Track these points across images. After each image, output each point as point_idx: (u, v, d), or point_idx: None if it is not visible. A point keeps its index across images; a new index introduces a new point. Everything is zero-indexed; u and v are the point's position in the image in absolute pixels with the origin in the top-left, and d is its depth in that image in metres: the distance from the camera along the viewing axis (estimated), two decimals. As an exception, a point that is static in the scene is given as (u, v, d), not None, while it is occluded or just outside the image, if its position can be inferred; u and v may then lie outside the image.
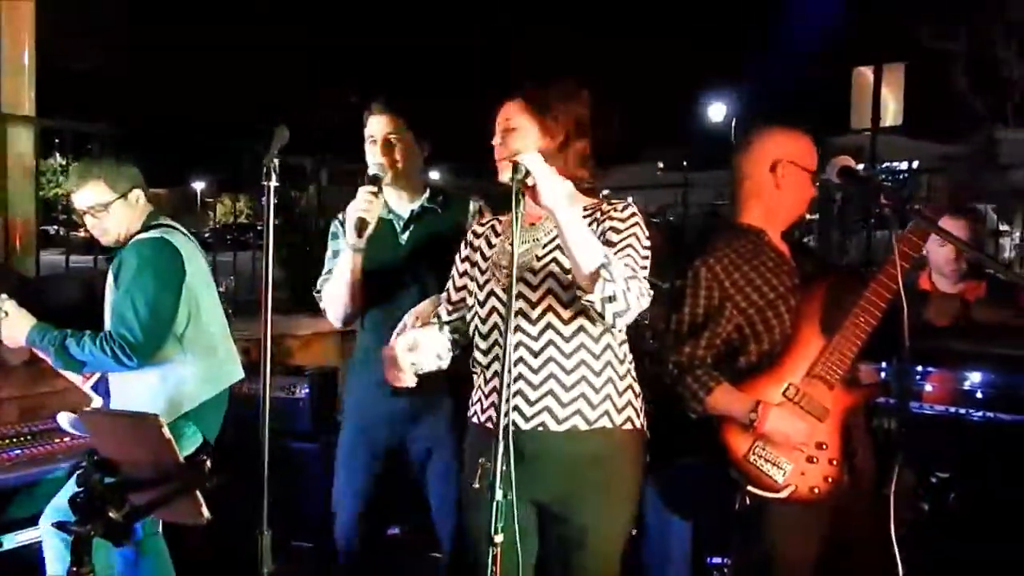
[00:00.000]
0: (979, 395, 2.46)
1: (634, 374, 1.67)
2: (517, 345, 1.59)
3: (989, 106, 12.45)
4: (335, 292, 2.02)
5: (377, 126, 2.03)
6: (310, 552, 2.73)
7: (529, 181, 1.44)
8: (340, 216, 2.12)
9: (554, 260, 1.59)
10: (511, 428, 1.54)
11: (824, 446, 1.67)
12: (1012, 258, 5.86)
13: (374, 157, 2.03)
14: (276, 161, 1.36)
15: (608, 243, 1.57)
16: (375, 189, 1.92)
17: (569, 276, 1.56)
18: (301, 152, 4.79)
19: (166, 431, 1.26)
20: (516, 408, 1.59)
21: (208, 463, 1.26)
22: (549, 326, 1.58)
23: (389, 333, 2.00)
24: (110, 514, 1.19)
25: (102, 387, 2.24)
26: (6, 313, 2.10)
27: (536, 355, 1.58)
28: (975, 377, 2.47)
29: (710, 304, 1.75)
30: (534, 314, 1.59)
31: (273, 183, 1.36)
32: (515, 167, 1.43)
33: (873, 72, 6.36)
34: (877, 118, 6.48)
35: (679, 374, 1.72)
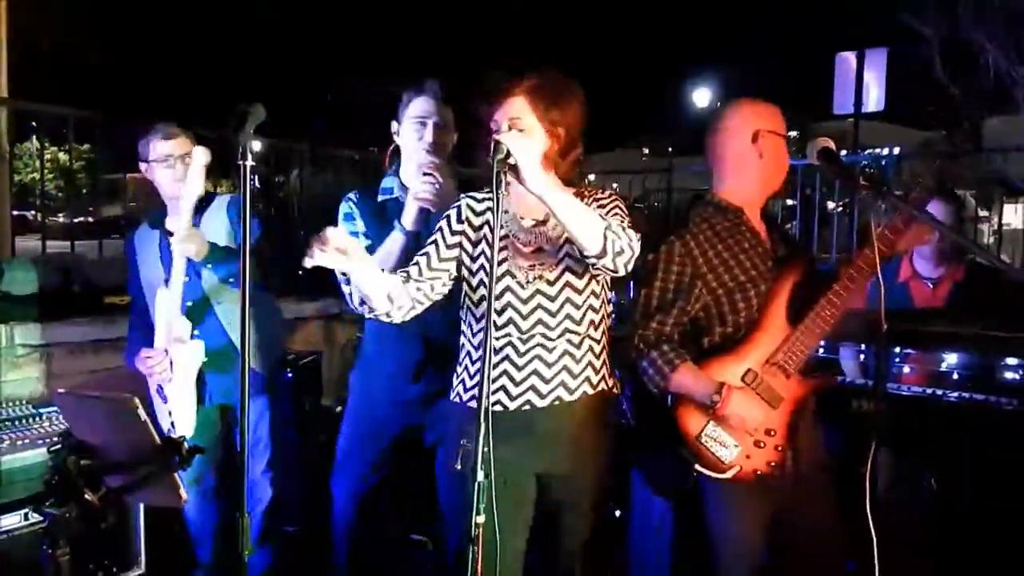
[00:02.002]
0: (955, 376, 2.50)
1: (606, 336, 1.76)
2: (508, 333, 1.65)
3: (970, 92, 12.54)
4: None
5: (430, 108, 2.03)
6: (293, 536, 2.73)
7: (510, 162, 1.43)
8: (353, 195, 2.12)
9: (568, 256, 1.66)
10: (498, 409, 1.62)
11: (773, 432, 1.68)
12: (991, 244, 5.92)
13: (425, 139, 2.01)
14: (252, 141, 1.34)
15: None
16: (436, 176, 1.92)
17: (581, 281, 1.66)
18: (284, 136, 4.75)
19: (141, 412, 1.24)
20: (502, 388, 1.65)
21: (186, 445, 1.25)
22: (566, 331, 1.65)
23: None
24: (86, 496, 1.18)
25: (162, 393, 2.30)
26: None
27: (550, 351, 1.65)
28: (951, 358, 2.50)
29: (681, 280, 1.73)
30: (554, 307, 1.65)
31: (249, 162, 1.33)
32: (496, 147, 1.42)
33: (855, 57, 6.39)
34: (859, 104, 6.50)
35: (645, 349, 1.72)
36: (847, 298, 1.66)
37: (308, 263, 1.50)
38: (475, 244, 1.73)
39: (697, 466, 1.71)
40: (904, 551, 1.72)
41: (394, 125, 2.11)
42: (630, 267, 1.57)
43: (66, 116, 3.65)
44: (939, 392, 2.42)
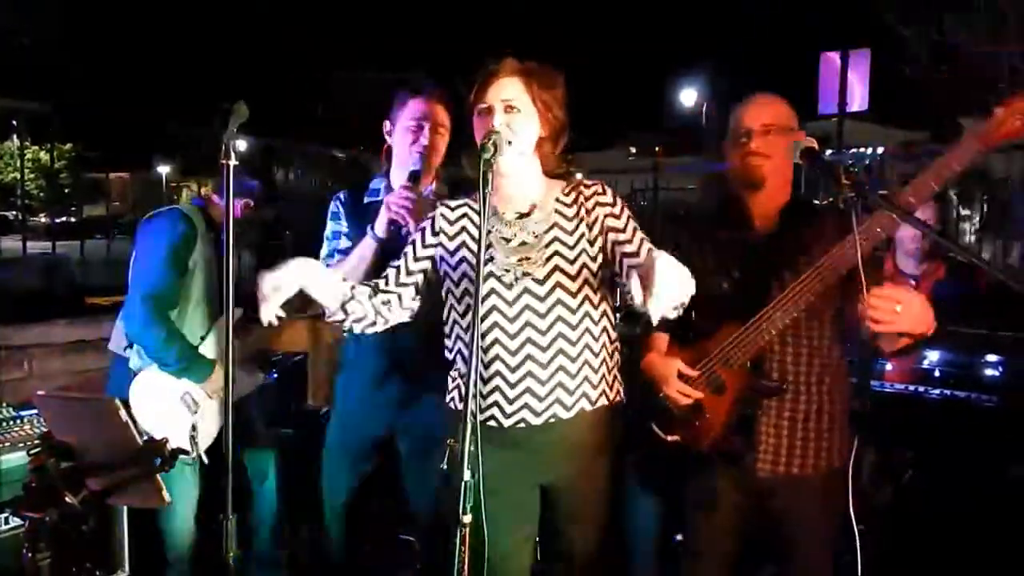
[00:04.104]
0: (937, 373, 2.52)
1: (609, 346, 1.66)
2: (494, 342, 1.58)
3: (953, 93, 12.68)
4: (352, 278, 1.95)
5: (429, 111, 1.96)
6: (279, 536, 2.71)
7: (497, 160, 1.41)
8: (342, 194, 2.08)
9: (557, 254, 1.58)
10: (492, 425, 1.58)
11: (704, 413, 1.75)
12: (972, 242, 5.99)
13: (420, 142, 1.96)
14: (235, 140, 1.33)
15: (611, 222, 1.60)
16: (414, 188, 1.87)
17: (573, 267, 1.57)
18: (270, 135, 4.73)
19: (123, 414, 1.23)
20: (496, 404, 1.59)
21: (168, 446, 1.24)
22: (559, 319, 1.57)
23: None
24: (67, 499, 1.16)
25: None
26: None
27: (545, 350, 1.56)
28: (933, 356, 2.53)
29: None
30: (543, 308, 1.56)
31: (232, 162, 1.32)
32: (483, 147, 1.40)
33: (840, 58, 6.43)
34: (844, 103, 6.55)
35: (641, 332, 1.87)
36: (805, 301, 1.61)
37: (266, 316, 1.48)
38: (454, 252, 1.66)
39: (652, 422, 1.80)
40: (886, 547, 1.73)
41: (386, 125, 2.05)
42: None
43: (48, 115, 3.61)
44: (921, 389, 2.45)
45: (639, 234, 1.62)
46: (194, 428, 2.21)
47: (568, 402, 1.58)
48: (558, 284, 1.56)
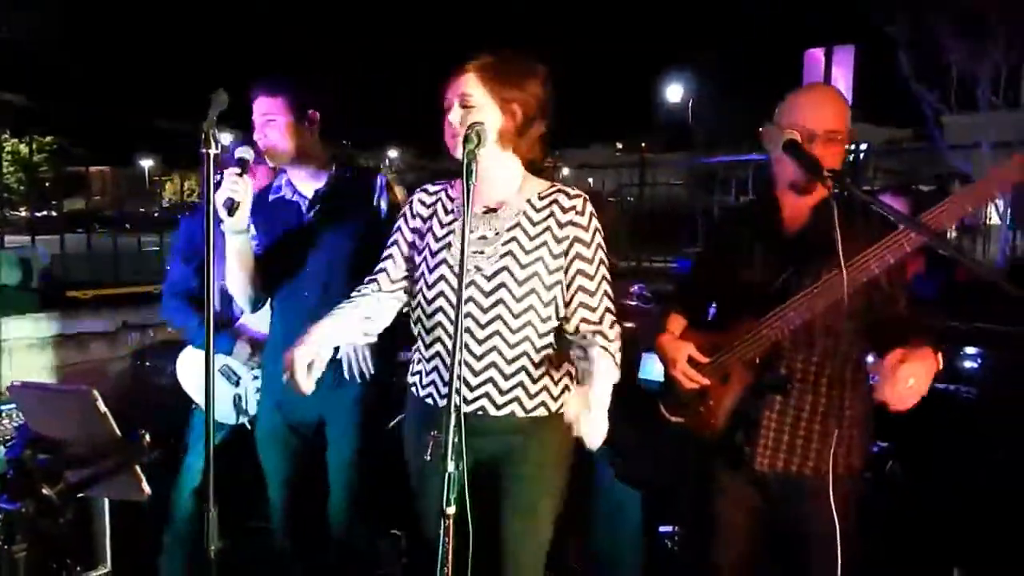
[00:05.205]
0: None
1: (555, 359, 1.63)
2: (437, 326, 1.59)
3: (934, 90, 12.84)
4: (232, 279, 1.95)
5: (256, 107, 1.98)
6: (265, 532, 2.70)
7: (480, 150, 1.41)
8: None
9: (510, 253, 1.56)
10: (431, 403, 1.60)
11: (708, 400, 1.77)
12: (953, 237, 6.07)
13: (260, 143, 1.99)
14: (215, 129, 1.32)
15: (581, 264, 1.58)
16: (239, 170, 1.82)
17: (523, 272, 1.56)
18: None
19: (101, 405, 1.22)
20: (433, 383, 1.62)
21: (147, 438, 1.23)
22: (498, 317, 1.56)
23: (297, 317, 1.93)
24: (43, 491, 1.15)
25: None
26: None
27: (480, 343, 1.56)
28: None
29: (699, 258, 1.96)
30: (486, 303, 1.56)
31: (213, 151, 1.31)
32: (467, 138, 1.40)
33: (824, 54, 6.47)
34: (827, 100, 6.57)
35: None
36: (821, 304, 1.59)
37: (308, 389, 1.51)
38: (422, 235, 1.67)
39: (660, 400, 1.85)
40: (864, 538, 1.74)
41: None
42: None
43: (30, 108, 3.56)
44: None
45: (603, 287, 1.59)
46: (238, 397, 2.34)
47: (499, 400, 1.58)
48: (503, 284, 1.55)
